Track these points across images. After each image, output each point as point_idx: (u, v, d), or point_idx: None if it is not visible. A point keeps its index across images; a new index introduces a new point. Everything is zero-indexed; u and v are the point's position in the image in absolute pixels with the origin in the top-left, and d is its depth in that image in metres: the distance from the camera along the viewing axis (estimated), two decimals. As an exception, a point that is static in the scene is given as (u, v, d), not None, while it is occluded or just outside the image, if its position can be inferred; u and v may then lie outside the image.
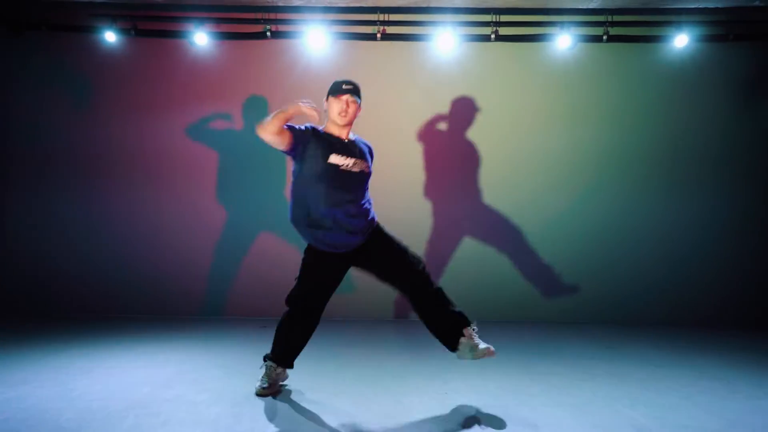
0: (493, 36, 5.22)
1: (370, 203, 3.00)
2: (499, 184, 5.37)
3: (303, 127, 2.92)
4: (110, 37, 5.18)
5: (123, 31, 5.21)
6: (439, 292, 2.94)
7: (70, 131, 5.35)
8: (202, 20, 5.20)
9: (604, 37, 5.21)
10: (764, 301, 5.23)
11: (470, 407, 2.81)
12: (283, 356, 3.03)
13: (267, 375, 3.01)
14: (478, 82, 5.39)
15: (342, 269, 3.00)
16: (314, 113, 2.81)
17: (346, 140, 2.99)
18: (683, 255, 5.32)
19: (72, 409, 2.67)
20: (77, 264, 5.29)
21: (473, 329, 2.88)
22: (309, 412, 2.73)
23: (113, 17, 5.16)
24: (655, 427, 2.57)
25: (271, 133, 2.78)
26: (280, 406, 2.78)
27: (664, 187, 5.37)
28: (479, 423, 2.58)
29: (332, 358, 3.80)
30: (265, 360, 3.07)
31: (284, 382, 3.13)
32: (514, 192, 5.37)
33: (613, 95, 5.40)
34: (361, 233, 2.90)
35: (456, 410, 2.78)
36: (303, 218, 2.88)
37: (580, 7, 4.91)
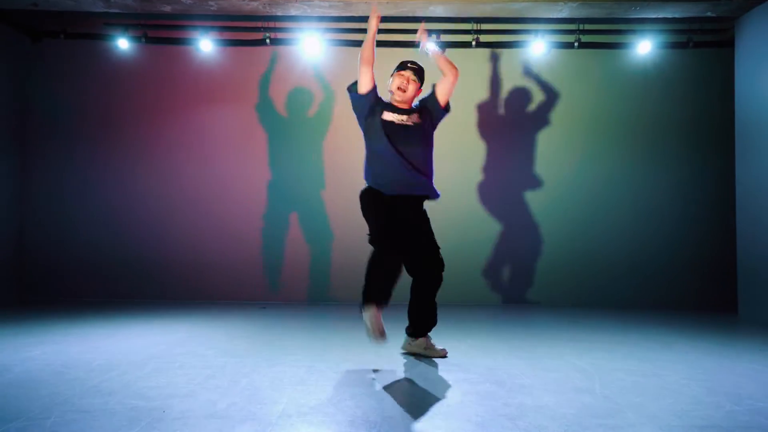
0: (473, 42, 5.72)
1: (429, 168, 3.21)
2: (472, 181, 5.84)
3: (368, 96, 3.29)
4: (123, 44, 5.67)
5: (135, 38, 5.71)
6: (429, 291, 3.23)
7: (84, 133, 5.83)
8: (207, 28, 5.70)
9: (576, 44, 5.72)
10: (722, 285, 5.70)
11: (444, 360, 3.26)
12: (371, 296, 2.97)
13: (372, 325, 2.94)
14: (459, 86, 5.86)
15: (391, 211, 3.11)
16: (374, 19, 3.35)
17: (405, 108, 3.26)
18: (653, 244, 5.80)
19: (100, 359, 3.14)
20: (97, 252, 5.77)
21: (430, 338, 3.34)
22: (303, 360, 3.18)
23: (125, 26, 5.66)
24: (591, 369, 3.04)
25: (365, 57, 3.27)
26: (278, 358, 3.23)
27: (631, 183, 5.85)
28: (448, 366, 3.04)
29: (324, 329, 4.26)
30: (362, 310, 2.99)
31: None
32: (490, 189, 5.86)
33: (584, 97, 5.90)
34: (407, 187, 3.12)
35: (432, 361, 3.24)
36: (370, 170, 3.20)
37: (552, 16, 5.41)
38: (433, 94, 3.31)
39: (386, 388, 2.67)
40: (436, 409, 2.35)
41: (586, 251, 5.81)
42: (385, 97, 3.34)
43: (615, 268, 5.79)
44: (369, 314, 2.95)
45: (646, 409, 2.37)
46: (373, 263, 3.05)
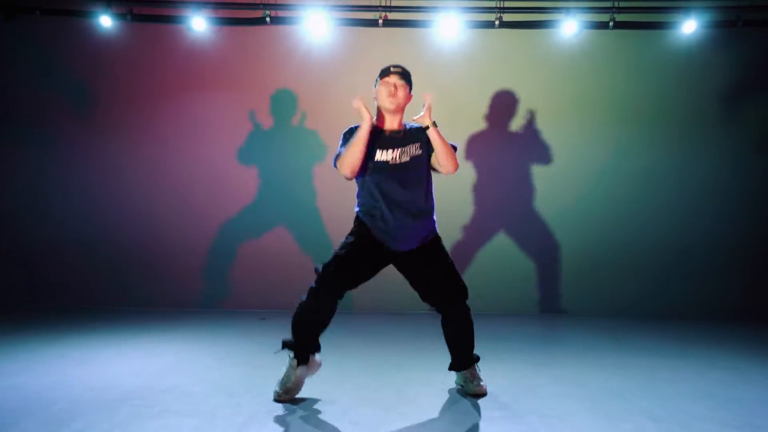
0: (497, 22, 5.11)
1: (431, 206, 2.78)
2: (502, 173, 5.27)
3: (351, 132, 2.79)
4: (105, 21, 5.06)
5: (119, 15, 5.10)
6: (465, 324, 2.80)
7: (64, 119, 5.24)
8: (199, 5, 5.08)
9: (611, 24, 5.10)
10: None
11: (485, 400, 2.71)
12: (301, 345, 2.70)
13: (285, 377, 2.69)
14: (481, 69, 5.29)
15: (382, 261, 2.78)
16: (365, 112, 2.67)
17: (397, 129, 2.79)
18: (690, 249, 5.23)
19: (65, 399, 2.58)
20: (71, 255, 5.20)
21: (477, 368, 2.88)
22: (310, 400, 2.64)
23: (108, 1, 5.05)
24: (666, 416, 2.48)
25: (355, 156, 2.67)
26: (284, 417, 2.68)
27: (673, 178, 5.27)
28: (489, 410, 2.49)
29: (335, 349, 3.70)
30: (283, 347, 2.74)
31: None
32: (518, 182, 5.28)
33: (619, 83, 5.30)
34: (413, 240, 2.71)
35: (461, 402, 2.68)
36: (362, 206, 2.77)
37: (586, -9, 4.81)
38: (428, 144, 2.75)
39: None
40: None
41: (621, 255, 5.24)
42: (372, 108, 2.78)
43: (654, 274, 5.22)
44: (299, 370, 2.67)
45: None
46: (310, 305, 2.66)
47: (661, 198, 5.26)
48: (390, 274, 5.10)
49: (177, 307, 5.07)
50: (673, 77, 5.27)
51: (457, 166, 2.72)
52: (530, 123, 5.30)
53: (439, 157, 2.69)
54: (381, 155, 2.68)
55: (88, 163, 5.25)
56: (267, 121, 5.30)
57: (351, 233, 2.76)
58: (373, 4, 5.08)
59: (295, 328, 2.69)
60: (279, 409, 2.51)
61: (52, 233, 5.22)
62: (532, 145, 5.29)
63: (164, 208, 5.25)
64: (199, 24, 5.09)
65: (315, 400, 2.66)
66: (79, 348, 3.57)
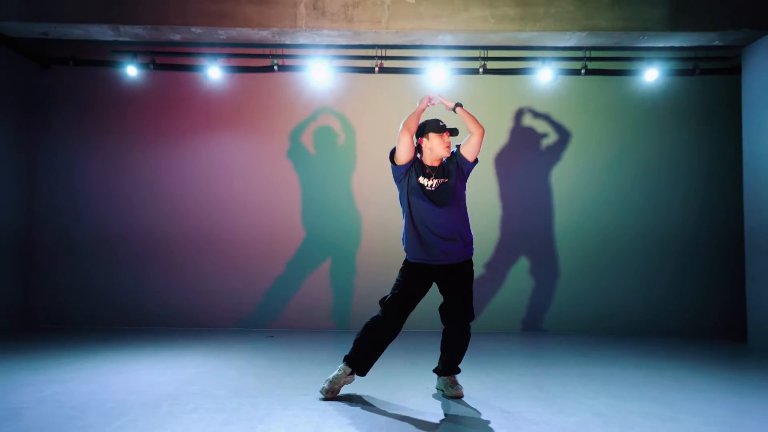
0: (481, 69, 5.74)
1: (464, 231, 3.28)
2: (484, 205, 5.84)
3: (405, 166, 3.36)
4: (131, 71, 5.69)
5: (143, 65, 5.73)
6: (463, 342, 3.34)
7: (92, 159, 5.84)
8: (215, 56, 5.72)
9: (582, 71, 5.74)
10: (729, 313, 5.68)
11: (461, 401, 3.24)
12: (359, 361, 3.26)
13: (335, 378, 3.24)
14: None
15: (426, 282, 3.29)
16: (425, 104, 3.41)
17: (436, 165, 3.31)
18: (662, 272, 5.79)
19: (112, 400, 3.11)
20: (101, 278, 5.76)
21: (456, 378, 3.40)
22: (316, 401, 3.15)
23: (134, 53, 5.68)
24: (608, 411, 3.01)
25: (410, 127, 3.26)
26: (290, 399, 3.21)
27: (640, 206, 5.86)
28: (464, 408, 3.01)
29: (335, 361, 4.23)
30: (344, 361, 3.29)
31: (342, 391, 3.30)
32: (497, 214, 5.86)
33: (592, 124, 5.91)
34: (447, 257, 3.23)
35: (444, 402, 3.21)
36: (405, 234, 3.32)
37: (559, 45, 5.43)
38: (459, 154, 3.33)
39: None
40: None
41: (596, 279, 5.80)
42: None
43: (624, 296, 5.78)
44: (342, 374, 3.24)
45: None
46: (375, 328, 3.24)
47: (631, 226, 5.84)
48: (383, 292, 5.64)
49: (193, 326, 5.61)
50: (640, 118, 5.89)
51: (482, 128, 3.28)
52: (507, 156, 5.89)
53: (468, 126, 3.28)
54: (421, 180, 3.26)
55: (113, 191, 5.84)
56: (276, 159, 5.89)
57: (402, 270, 3.33)
58: (370, 54, 5.71)
59: (358, 345, 3.27)
60: (291, 406, 3.04)
61: (80, 261, 5.77)
62: (511, 177, 5.87)
63: (181, 239, 5.81)
64: (214, 72, 5.72)
65: (319, 401, 3.17)
66: (111, 362, 4.11)
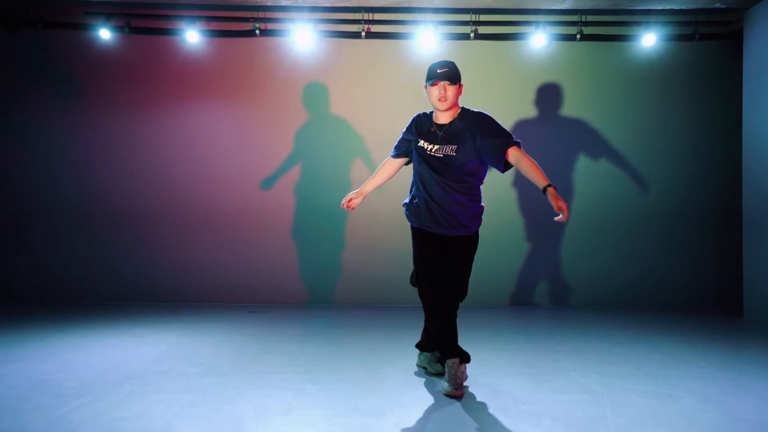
0: (472, 35, 5.48)
1: (472, 198, 2.97)
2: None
3: (408, 133, 3.08)
4: (104, 34, 5.39)
5: (117, 28, 5.42)
6: (452, 316, 2.97)
7: (62, 128, 5.56)
8: (193, 18, 5.42)
9: (578, 36, 5.48)
10: (724, 285, 5.52)
11: (437, 379, 3.06)
12: (449, 345, 2.91)
13: (451, 376, 2.82)
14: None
15: (440, 243, 2.98)
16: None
17: (446, 123, 2.96)
18: (656, 243, 5.60)
19: (72, 379, 2.91)
20: (77, 251, 5.53)
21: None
22: (292, 380, 2.97)
23: (107, 15, 5.37)
24: (600, 389, 2.84)
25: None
26: (265, 377, 3.02)
27: (635, 179, 5.65)
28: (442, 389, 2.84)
29: (316, 338, 4.05)
30: (443, 359, 2.93)
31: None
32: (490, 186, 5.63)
33: (586, 91, 5.67)
34: (451, 226, 2.94)
35: (428, 381, 3.03)
36: (409, 197, 3.07)
37: (553, 7, 5.17)
38: (491, 147, 2.88)
39: (377, 414, 2.47)
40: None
41: (586, 252, 5.62)
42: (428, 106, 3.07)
43: (616, 268, 5.60)
44: (453, 362, 2.85)
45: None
46: (427, 311, 2.98)
47: (624, 196, 5.64)
48: (369, 267, 5.45)
49: (170, 301, 5.41)
50: (637, 85, 5.65)
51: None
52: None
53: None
54: (422, 143, 2.97)
55: (84, 163, 5.56)
56: (257, 126, 5.62)
57: (413, 236, 3.05)
58: (356, 18, 5.43)
59: (435, 332, 2.95)
60: (264, 386, 2.85)
61: (51, 233, 5.53)
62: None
63: (160, 209, 5.57)
64: (192, 36, 5.42)
65: (295, 379, 2.99)
66: (79, 337, 3.90)
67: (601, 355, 3.61)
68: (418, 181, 3.00)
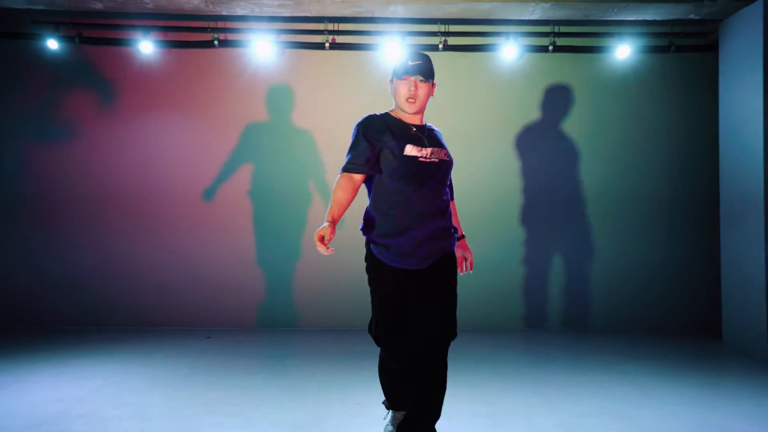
0: (440, 45, 5.27)
1: (449, 214, 2.49)
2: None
3: (367, 138, 2.41)
4: (52, 44, 5.12)
5: (67, 38, 5.16)
6: (440, 381, 2.38)
7: (13, 145, 5.29)
8: (148, 28, 5.17)
9: (550, 48, 5.29)
10: (704, 309, 5.31)
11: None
12: (395, 398, 2.48)
13: (392, 421, 2.48)
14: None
15: (406, 283, 2.38)
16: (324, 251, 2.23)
17: (421, 125, 2.48)
18: (632, 263, 5.38)
19: (-23, 426, 2.63)
20: (26, 273, 5.23)
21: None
22: (221, 425, 2.70)
23: (56, 24, 5.11)
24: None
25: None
26: (194, 420, 2.76)
27: (610, 193, 5.44)
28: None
29: (266, 368, 3.79)
30: (388, 407, 2.53)
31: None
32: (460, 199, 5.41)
33: (560, 104, 5.47)
34: (431, 256, 2.36)
35: (368, 422, 2.78)
36: (378, 226, 2.40)
37: (523, 18, 4.97)
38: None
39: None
40: None
41: (563, 269, 5.39)
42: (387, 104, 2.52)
43: (596, 291, 5.38)
44: (399, 414, 2.45)
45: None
46: (384, 359, 2.44)
47: (604, 215, 5.43)
48: (336, 289, 5.18)
49: (128, 325, 5.12)
50: (612, 98, 5.46)
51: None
52: (472, 138, 5.42)
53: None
54: (411, 150, 2.36)
55: (32, 176, 5.29)
56: (213, 140, 5.37)
57: (373, 279, 2.42)
58: (320, 29, 5.21)
59: (383, 386, 2.49)
60: (189, 430, 2.59)
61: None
62: (475, 159, 5.40)
63: (110, 224, 5.28)
64: (146, 47, 5.17)
65: (226, 423, 2.72)
66: (11, 370, 3.60)
67: (564, 387, 3.36)
68: (393, 202, 2.36)
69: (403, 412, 2.43)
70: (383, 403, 2.56)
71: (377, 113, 2.49)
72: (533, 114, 5.47)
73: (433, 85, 2.45)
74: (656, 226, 5.42)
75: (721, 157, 4.88)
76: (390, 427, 2.48)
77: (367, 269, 2.44)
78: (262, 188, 5.37)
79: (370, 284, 2.43)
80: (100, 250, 5.27)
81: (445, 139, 2.57)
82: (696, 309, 5.34)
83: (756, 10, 4.42)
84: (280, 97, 5.39)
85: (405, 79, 2.39)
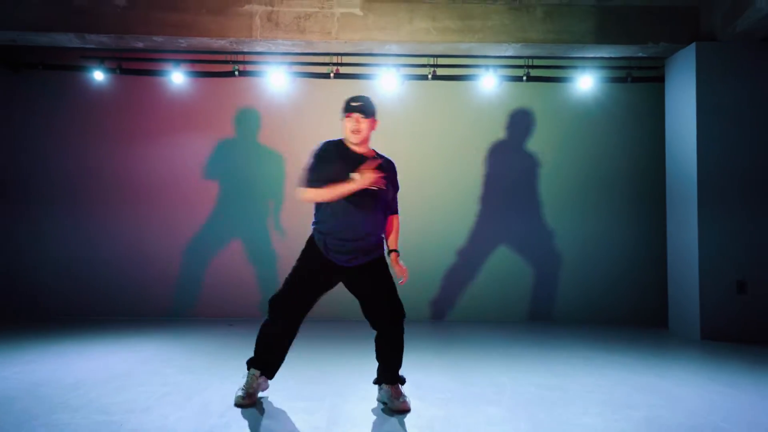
0: (429, 76, 6.16)
1: (382, 228, 3.05)
2: (430, 206, 6.26)
3: (325, 161, 2.96)
4: (98, 76, 6.02)
5: (110, 70, 6.06)
6: (398, 343, 3.00)
7: (62, 159, 6.17)
8: (178, 61, 6.07)
9: (524, 78, 6.18)
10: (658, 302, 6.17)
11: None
12: (264, 364, 3.03)
13: (247, 384, 3.00)
14: (417, 115, 6.33)
15: (332, 279, 3.02)
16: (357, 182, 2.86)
17: (367, 156, 3.00)
18: (593, 265, 6.26)
19: (70, 377, 3.48)
20: (72, 272, 6.10)
21: (401, 388, 3.04)
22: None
23: (101, 59, 6.01)
24: (508, 382, 3.46)
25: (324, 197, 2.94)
26: (233, 375, 3.58)
27: (576, 207, 6.32)
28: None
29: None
30: (248, 367, 3.05)
31: (264, 393, 3.14)
32: (446, 214, 6.29)
33: (532, 127, 6.36)
34: (364, 256, 2.95)
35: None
36: (320, 223, 2.98)
37: (499, 54, 5.86)
38: (390, 200, 3.10)
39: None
40: None
41: (531, 270, 6.25)
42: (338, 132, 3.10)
43: (562, 286, 6.24)
44: (260, 379, 3.03)
45: (536, 417, 2.78)
46: (271, 327, 3.00)
47: (568, 224, 6.31)
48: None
49: (153, 315, 5.98)
50: (577, 122, 6.35)
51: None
52: (454, 156, 6.31)
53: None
54: (355, 176, 2.86)
55: (81, 193, 6.17)
56: (234, 156, 6.26)
57: (301, 258, 3.03)
58: (325, 61, 6.11)
59: (258, 347, 3.02)
60: (228, 381, 3.41)
61: (52, 257, 6.11)
62: (458, 177, 6.28)
63: (149, 233, 6.17)
64: (177, 78, 6.07)
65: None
66: (79, 346, 4.46)
67: (521, 358, 4.22)
68: (330, 215, 2.94)
69: (259, 372, 3.00)
70: (246, 362, 3.07)
71: (333, 140, 3.07)
72: (508, 133, 6.36)
73: (374, 120, 3.01)
74: (615, 227, 6.30)
75: (667, 167, 5.75)
76: (241, 392, 2.96)
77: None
78: (278, 202, 6.25)
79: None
80: (139, 252, 6.15)
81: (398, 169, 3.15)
82: (650, 301, 6.20)
83: (690, 52, 5.33)
84: (290, 118, 6.28)
85: (349, 116, 2.97)
